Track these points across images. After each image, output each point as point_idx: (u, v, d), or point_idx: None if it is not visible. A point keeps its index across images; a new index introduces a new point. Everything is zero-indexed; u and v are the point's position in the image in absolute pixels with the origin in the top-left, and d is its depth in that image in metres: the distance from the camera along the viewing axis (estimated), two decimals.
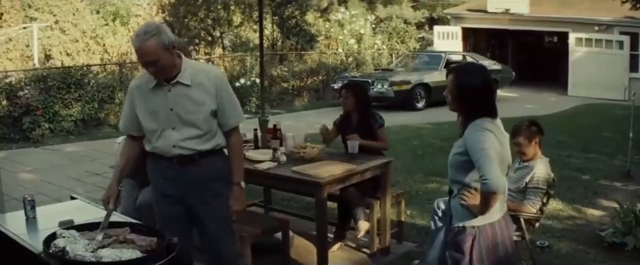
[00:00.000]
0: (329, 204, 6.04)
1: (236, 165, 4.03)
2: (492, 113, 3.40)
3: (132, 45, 3.96)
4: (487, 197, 3.26)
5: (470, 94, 3.36)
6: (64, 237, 3.15)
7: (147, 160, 4.05)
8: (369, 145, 5.82)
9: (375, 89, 16.39)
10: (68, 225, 3.40)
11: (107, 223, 3.42)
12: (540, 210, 5.08)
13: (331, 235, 6.16)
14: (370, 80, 16.90)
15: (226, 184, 3.99)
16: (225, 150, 4.08)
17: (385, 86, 16.59)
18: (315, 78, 20.69)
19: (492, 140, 3.28)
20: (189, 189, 3.93)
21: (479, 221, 3.36)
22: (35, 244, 3.25)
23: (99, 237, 3.25)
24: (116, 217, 3.62)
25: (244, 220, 4.57)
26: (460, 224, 3.40)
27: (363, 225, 5.66)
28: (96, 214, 3.77)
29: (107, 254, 3.01)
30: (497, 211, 3.41)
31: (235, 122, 4.01)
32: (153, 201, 4.13)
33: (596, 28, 21.17)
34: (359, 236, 5.74)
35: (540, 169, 5.03)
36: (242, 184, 4.02)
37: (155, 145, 3.89)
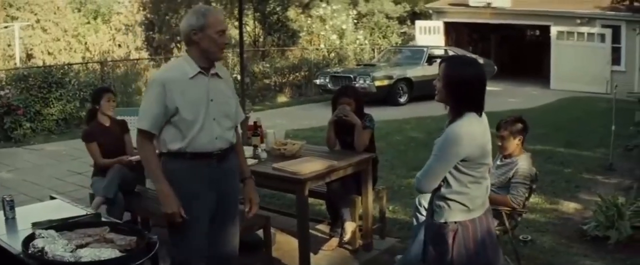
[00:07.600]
0: (312, 200, 6.02)
1: (244, 159, 4.21)
2: (479, 108, 3.35)
3: (205, 17, 3.89)
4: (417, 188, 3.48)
5: (462, 86, 3.29)
6: (42, 237, 3.13)
7: (173, 162, 3.78)
8: (358, 134, 5.71)
9: (357, 85, 16.17)
10: (44, 226, 3.38)
11: None
12: (523, 204, 5.10)
13: (316, 233, 6.17)
14: (352, 76, 16.92)
15: (239, 180, 4.11)
16: None
17: (368, 81, 16.58)
18: (297, 74, 20.67)
19: (462, 147, 3.25)
20: (222, 186, 3.90)
21: (461, 217, 3.35)
22: (14, 245, 3.23)
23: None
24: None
25: None
26: (442, 220, 3.39)
27: (349, 227, 5.60)
28: (75, 213, 3.74)
29: (86, 254, 3.00)
30: (479, 208, 3.40)
31: (242, 117, 4.16)
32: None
33: (578, 21, 21.23)
34: (346, 239, 5.66)
35: (523, 164, 5.05)
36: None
37: (197, 138, 3.70)
